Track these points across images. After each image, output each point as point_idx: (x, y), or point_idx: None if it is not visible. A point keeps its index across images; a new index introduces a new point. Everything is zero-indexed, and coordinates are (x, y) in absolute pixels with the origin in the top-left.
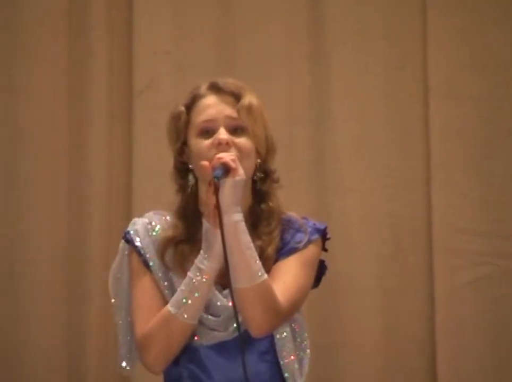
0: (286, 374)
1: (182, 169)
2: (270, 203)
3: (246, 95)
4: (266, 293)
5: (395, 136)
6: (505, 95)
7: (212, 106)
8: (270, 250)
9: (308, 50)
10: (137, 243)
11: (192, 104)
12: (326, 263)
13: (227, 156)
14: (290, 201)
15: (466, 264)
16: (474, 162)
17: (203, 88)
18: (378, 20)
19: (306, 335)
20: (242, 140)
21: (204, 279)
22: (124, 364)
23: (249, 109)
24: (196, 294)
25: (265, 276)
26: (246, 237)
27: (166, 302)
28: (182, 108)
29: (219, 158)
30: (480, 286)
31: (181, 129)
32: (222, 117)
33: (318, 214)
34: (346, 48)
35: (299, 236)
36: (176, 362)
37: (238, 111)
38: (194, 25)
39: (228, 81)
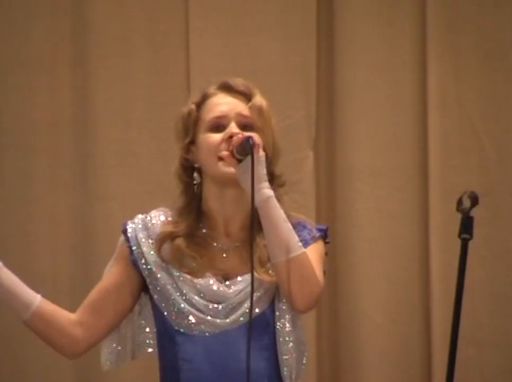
0: (285, 369)
1: (188, 168)
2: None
3: (257, 95)
4: (309, 263)
5: (158, 142)
6: (269, 101)
7: (223, 103)
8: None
9: (72, 54)
10: (129, 234)
11: (201, 102)
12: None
13: (246, 134)
14: None
15: None
16: None
17: (213, 87)
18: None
19: (302, 333)
20: (253, 135)
21: None
22: (104, 362)
23: (260, 108)
24: None
25: (304, 248)
26: (281, 212)
27: (126, 296)
28: (193, 106)
29: (239, 136)
30: None
31: (190, 127)
32: (234, 114)
33: None
34: (108, 52)
35: (307, 231)
36: (173, 347)
37: (249, 109)
38: None
39: (238, 81)
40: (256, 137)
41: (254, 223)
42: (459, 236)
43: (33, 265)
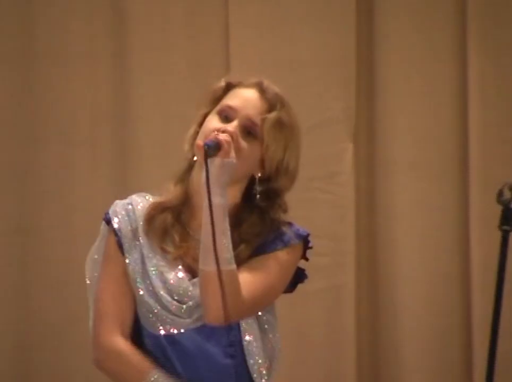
0: (255, 373)
1: (195, 139)
2: (265, 216)
3: (282, 110)
4: (231, 282)
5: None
6: (305, 93)
7: (244, 99)
8: (245, 249)
9: (111, 47)
10: (115, 224)
11: (233, 86)
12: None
13: (223, 136)
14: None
15: None
16: None
17: (251, 81)
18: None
19: (278, 335)
20: (245, 144)
21: None
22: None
23: (276, 123)
24: None
25: (234, 266)
26: (224, 224)
27: (131, 290)
28: (223, 84)
29: (216, 134)
30: None
31: (212, 101)
32: (244, 114)
33: None
34: (148, 45)
35: (278, 241)
36: (141, 341)
37: (263, 120)
38: None
39: (272, 88)
40: (225, 142)
41: (214, 222)
42: (500, 228)
43: (73, 256)
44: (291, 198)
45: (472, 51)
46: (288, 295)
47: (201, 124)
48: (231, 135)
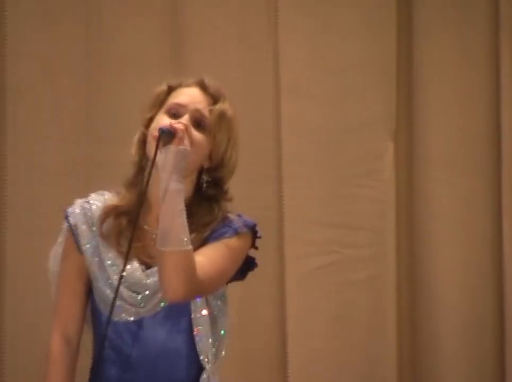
0: (201, 357)
1: (143, 142)
2: (213, 206)
3: (224, 102)
4: (188, 262)
5: (248, 134)
6: (349, 96)
7: (189, 95)
8: (195, 238)
9: (166, 51)
10: (72, 222)
11: (175, 88)
12: (257, 261)
13: (177, 125)
14: None
15: (315, 252)
16: (321, 157)
17: (191, 80)
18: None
19: (224, 325)
20: (198, 135)
21: None
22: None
23: (220, 115)
24: None
25: (190, 246)
26: (181, 206)
27: (88, 283)
28: (165, 87)
29: (171, 123)
30: (327, 272)
31: (155, 105)
32: (193, 108)
33: None
34: (202, 49)
35: (226, 228)
36: (102, 330)
37: (210, 112)
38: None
39: (213, 83)
40: (180, 130)
41: (140, 207)
42: None
43: None
44: (335, 193)
45: (504, 57)
46: (336, 284)
47: (147, 126)
48: (184, 126)
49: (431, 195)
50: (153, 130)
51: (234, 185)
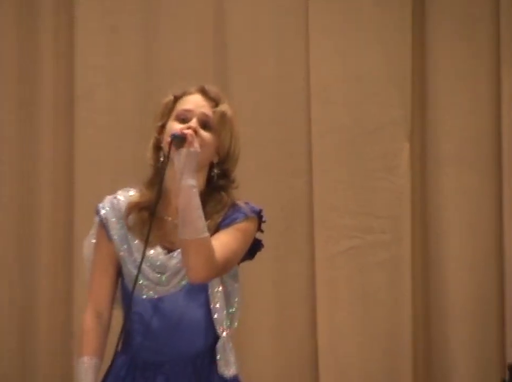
0: (217, 327)
1: (157, 147)
2: (222, 195)
3: (224, 104)
4: (206, 247)
5: (283, 134)
6: (370, 101)
7: (194, 102)
8: (214, 222)
9: (213, 65)
10: (102, 216)
11: (180, 97)
12: (263, 242)
13: (187, 131)
14: None
15: (340, 237)
16: (346, 154)
17: (193, 88)
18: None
19: (237, 299)
20: (206, 134)
21: None
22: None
23: (222, 115)
24: None
25: (207, 233)
26: (196, 200)
27: (117, 267)
28: (172, 97)
29: (181, 128)
30: (351, 254)
31: (165, 113)
32: (199, 112)
33: None
34: (241, 59)
35: (237, 214)
36: (129, 305)
37: (213, 113)
38: (125, 43)
39: (213, 89)
40: (189, 135)
41: (157, 202)
42: None
43: None
44: (358, 185)
45: (504, 68)
46: (359, 265)
47: (160, 133)
48: (194, 129)
49: (442, 188)
50: (167, 136)
51: (271, 178)
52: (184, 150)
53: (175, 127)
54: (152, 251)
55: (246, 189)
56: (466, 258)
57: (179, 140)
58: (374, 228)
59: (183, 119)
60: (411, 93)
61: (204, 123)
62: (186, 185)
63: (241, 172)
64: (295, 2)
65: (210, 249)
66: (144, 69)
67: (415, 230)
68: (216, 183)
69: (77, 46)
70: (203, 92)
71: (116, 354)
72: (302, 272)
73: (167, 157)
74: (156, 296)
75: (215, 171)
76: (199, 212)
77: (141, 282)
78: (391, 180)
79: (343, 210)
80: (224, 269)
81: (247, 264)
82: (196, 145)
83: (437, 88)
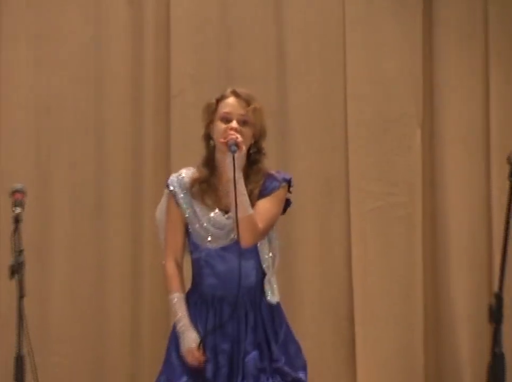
0: (264, 264)
1: (207, 136)
2: (259, 166)
3: (254, 102)
4: (252, 221)
5: (326, 125)
6: (390, 98)
7: (231, 105)
8: (255, 191)
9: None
10: (171, 188)
11: (220, 100)
12: (292, 200)
13: (238, 137)
14: None
15: (369, 199)
16: (373, 137)
17: (228, 92)
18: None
19: (275, 246)
20: (245, 130)
21: None
22: (164, 262)
23: (254, 111)
24: None
25: (252, 211)
26: (243, 187)
27: (185, 226)
28: (214, 101)
29: (235, 138)
30: (376, 212)
31: (211, 113)
32: (236, 113)
33: None
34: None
35: (274, 183)
36: (199, 255)
37: (247, 111)
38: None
39: (243, 91)
40: (240, 143)
41: (236, 184)
42: (508, 179)
43: None
44: (382, 160)
45: (492, 70)
46: (383, 220)
47: (207, 127)
48: (237, 130)
49: (447, 163)
50: (218, 134)
51: (317, 153)
52: (237, 154)
53: (222, 127)
54: (212, 214)
55: (299, 162)
56: (467, 212)
57: (235, 147)
58: (393, 192)
59: (226, 120)
60: (422, 91)
61: (242, 121)
62: (238, 178)
63: (295, 150)
64: (333, 23)
65: (254, 223)
66: (224, 75)
67: (425, 194)
68: (253, 157)
69: (172, 57)
70: (236, 94)
71: (189, 293)
72: (340, 226)
73: (233, 160)
74: (219, 247)
75: (253, 149)
76: (246, 197)
77: (209, 239)
78: (406, 157)
79: (371, 178)
80: (267, 230)
81: (300, 220)
82: (243, 147)
83: (441, 87)
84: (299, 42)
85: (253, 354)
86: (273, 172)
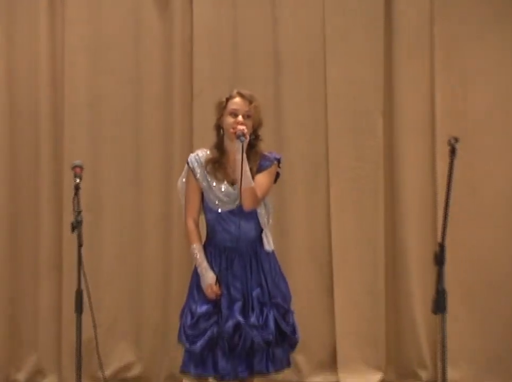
0: (261, 223)
1: (218, 127)
2: (256, 149)
3: (254, 100)
4: (253, 192)
5: (305, 119)
6: (360, 95)
7: (238, 103)
8: (254, 168)
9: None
10: (190, 165)
11: (228, 99)
12: (280, 173)
13: (245, 129)
14: None
15: (344, 172)
16: (347, 127)
17: (235, 92)
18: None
19: (271, 205)
20: (248, 122)
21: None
22: (184, 219)
23: (255, 108)
24: None
25: (253, 183)
26: (247, 166)
27: (201, 193)
28: (224, 99)
29: (242, 129)
30: (350, 181)
31: (221, 109)
32: (242, 110)
33: None
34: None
35: (267, 162)
36: (212, 216)
37: (250, 108)
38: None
39: (248, 92)
40: (246, 131)
41: (242, 167)
42: (449, 156)
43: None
44: (354, 144)
45: (437, 75)
46: (356, 185)
47: (219, 119)
48: (244, 124)
49: (402, 145)
50: (228, 125)
51: (304, 140)
52: (245, 142)
53: (231, 120)
54: (222, 186)
55: (291, 146)
56: (416, 179)
57: (243, 136)
58: (362, 167)
59: (234, 114)
60: (383, 89)
61: (247, 116)
62: (243, 159)
63: (287, 137)
64: (316, 38)
65: (254, 192)
66: (231, 76)
67: (385, 168)
68: (253, 143)
69: (194, 64)
70: (241, 95)
71: (205, 244)
72: (323, 193)
73: (242, 147)
74: (227, 210)
75: (252, 136)
76: (248, 173)
77: (216, 202)
78: (373, 140)
79: (345, 157)
80: (263, 198)
81: (292, 189)
82: (248, 136)
83: (398, 86)
84: (291, 52)
85: (257, 291)
86: (266, 153)
